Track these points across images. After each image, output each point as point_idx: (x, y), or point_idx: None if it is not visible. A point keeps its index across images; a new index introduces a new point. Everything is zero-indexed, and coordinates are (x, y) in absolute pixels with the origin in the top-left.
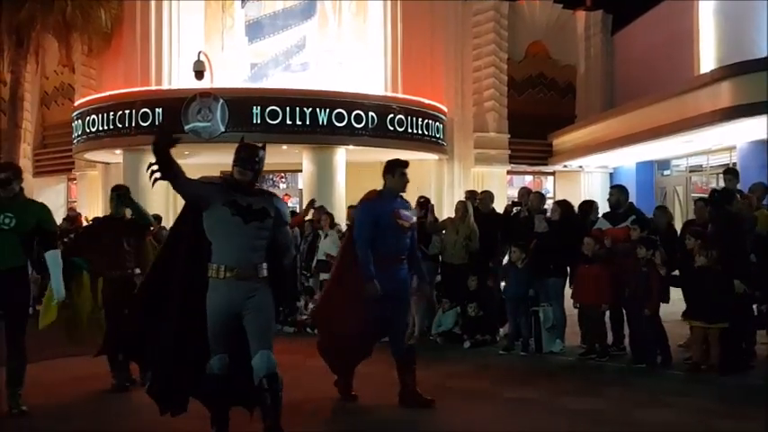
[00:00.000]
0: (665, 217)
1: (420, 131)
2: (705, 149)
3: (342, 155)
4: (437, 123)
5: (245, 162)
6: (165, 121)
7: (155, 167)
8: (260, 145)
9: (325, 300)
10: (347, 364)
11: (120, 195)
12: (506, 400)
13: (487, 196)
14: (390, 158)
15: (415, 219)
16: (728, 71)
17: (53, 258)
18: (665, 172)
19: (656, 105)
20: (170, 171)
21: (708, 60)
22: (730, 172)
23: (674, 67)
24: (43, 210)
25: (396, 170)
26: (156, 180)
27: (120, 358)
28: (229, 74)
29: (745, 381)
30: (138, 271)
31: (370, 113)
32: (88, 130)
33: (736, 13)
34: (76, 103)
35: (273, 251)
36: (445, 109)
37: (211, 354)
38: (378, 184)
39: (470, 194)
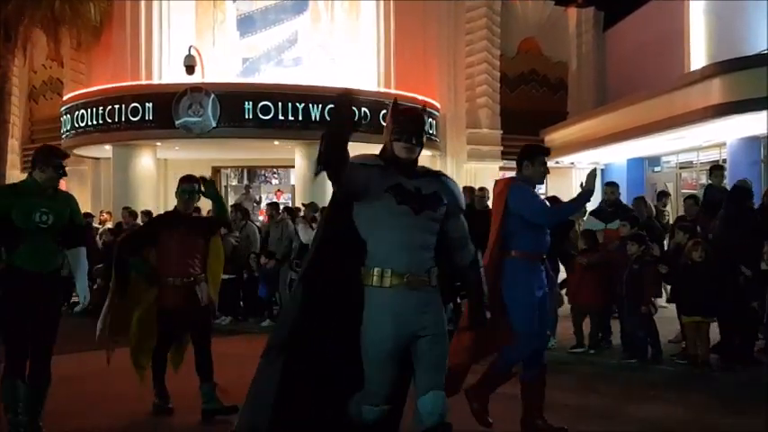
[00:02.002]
0: (643, 208)
1: None
2: (695, 146)
3: None
4: (430, 119)
5: (412, 134)
6: (156, 117)
7: (328, 157)
8: (420, 107)
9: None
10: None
11: (207, 183)
12: (497, 396)
13: (484, 194)
14: (531, 144)
15: None
16: (719, 68)
17: (82, 257)
18: (656, 168)
19: (647, 102)
20: (344, 162)
21: (698, 57)
22: (716, 169)
23: (665, 65)
24: (74, 200)
25: (536, 158)
26: (318, 172)
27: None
28: (221, 69)
29: (741, 376)
30: (202, 278)
31: (363, 109)
32: (77, 125)
33: (726, 11)
34: (65, 98)
35: (445, 249)
36: (438, 105)
37: (367, 397)
38: None
39: (466, 191)
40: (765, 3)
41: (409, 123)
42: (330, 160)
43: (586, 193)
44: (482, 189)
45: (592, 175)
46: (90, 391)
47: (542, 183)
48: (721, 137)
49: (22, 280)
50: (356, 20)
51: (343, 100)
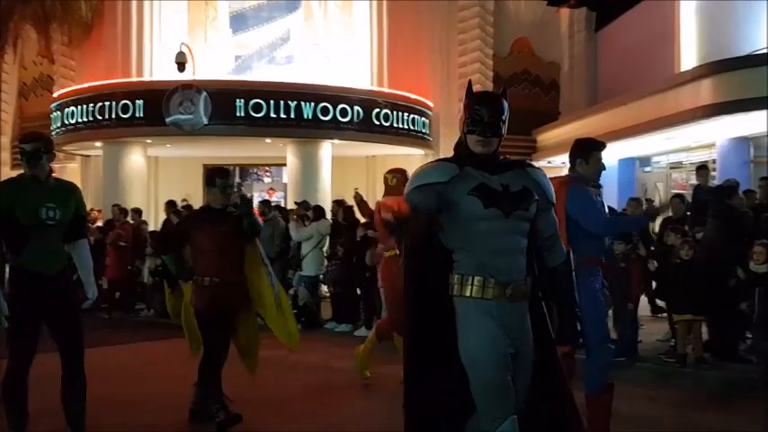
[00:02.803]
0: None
1: (406, 126)
2: (685, 146)
3: (327, 149)
4: (423, 118)
5: (488, 125)
6: (147, 114)
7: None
8: (497, 92)
9: None
10: None
11: (243, 202)
12: None
13: None
14: (581, 137)
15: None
16: (709, 69)
17: (85, 249)
18: (646, 168)
19: (638, 102)
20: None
21: (689, 58)
22: (702, 168)
23: (656, 65)
24: (78, 190)
25: (591, 154)
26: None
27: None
28: (213, 66)
29: (729, 373)
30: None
31: (356, 107)
32: (67, 122)
33: (717, 12)
34: (56, 95)
35: (536, 250)
36: (431, 104)
37: (488, 418)
38: (362, 179)
39: None
40: (755, 4)
41: (484, 111)
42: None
43: (653, 214)
44: None
45: (668, 204)
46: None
47: (598, 180)
48: (711, 137)
49: (33, 282)
50: (349, 18)
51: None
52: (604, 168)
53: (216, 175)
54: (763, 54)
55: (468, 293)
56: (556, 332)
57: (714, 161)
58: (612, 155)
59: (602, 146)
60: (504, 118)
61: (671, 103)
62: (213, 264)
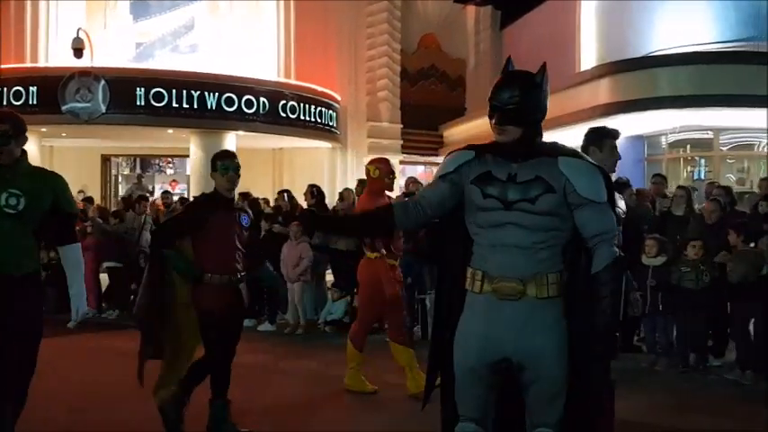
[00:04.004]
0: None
1: (313, 119)
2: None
3: (232, 140)
4: (330, 111)
5: (505, 112)
6: (42, 101)
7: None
8: (529, 73)
9: None
10: None
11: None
12: (392, 386)
13: None
14: (596, 125)
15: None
16: (607, 69)
17: (76, 256)
18: None
19: None
20: (397, 226)
21: (588, 58)
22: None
23: (558, 64)
24: (59, 181)
25: (605, 142)
26: None
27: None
28: (112, 53)
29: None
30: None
31: (262, 99)
32: None
33: (615, 14)
34: None
35: (579, 250)
36: (338, 97)
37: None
38: (269, 171)
39: (363, 183)
40: (650, 6)
41: (502, 97)
42: (369, 238)
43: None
44: None
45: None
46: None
47: (614, 172)
48: None
49: None
50: (256, 8)
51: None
52: (620, 157)
53: (216, 158)
54: (658, 56)
55: (465, 285)
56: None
57: None
58: None
59: (616, 133)
60: (529, 102)
61: (571, 101)
62: (228, 258)
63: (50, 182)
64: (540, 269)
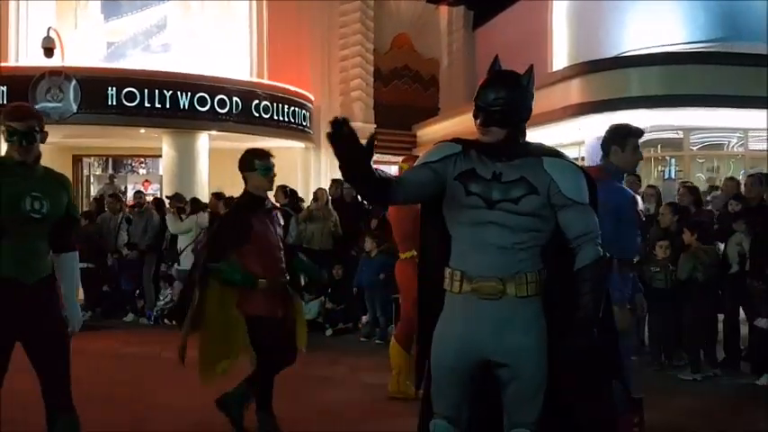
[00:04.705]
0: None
1: (286, 119)
2: (558, 144)
3: (204, 140)
4: (303, 111)
5: (488, 113)
6: (11, 101)
7: (359, 192)
8: (513, 72)
9: None
10: None
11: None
12: (364, 385)
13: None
14: (619, 123)
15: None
16: (579, 69)
17: (74, 265)
18: None
19: None
20: (381, 188)
21: (560, 58)
22: None
23: (530, 64)
24: (69, 183)
25: (628, 141)
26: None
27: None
28: (83, 52)
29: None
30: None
31: (235, 98)
32: None
33: (586, 15)
34: None
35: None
36: (312, 97)
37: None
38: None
39: (337, 183)
40: (621, 6)
41: (486, 96)
42: (363, 194)
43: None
44: None
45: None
46: None
47: (635, 171)
48: (581, 135)
49: (4, 291)
50: (228, 7)
51: (336, 129)
52: (641, 157)
53: (255, 157)
54: (629, 56)
55: (445, 286)
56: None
57: (583, 158)
58: None
59: (640, 132)
60: (514, 103)
61: (543, 101)
62: (274, 259)
63: (66, 184)
64: (520, 268)
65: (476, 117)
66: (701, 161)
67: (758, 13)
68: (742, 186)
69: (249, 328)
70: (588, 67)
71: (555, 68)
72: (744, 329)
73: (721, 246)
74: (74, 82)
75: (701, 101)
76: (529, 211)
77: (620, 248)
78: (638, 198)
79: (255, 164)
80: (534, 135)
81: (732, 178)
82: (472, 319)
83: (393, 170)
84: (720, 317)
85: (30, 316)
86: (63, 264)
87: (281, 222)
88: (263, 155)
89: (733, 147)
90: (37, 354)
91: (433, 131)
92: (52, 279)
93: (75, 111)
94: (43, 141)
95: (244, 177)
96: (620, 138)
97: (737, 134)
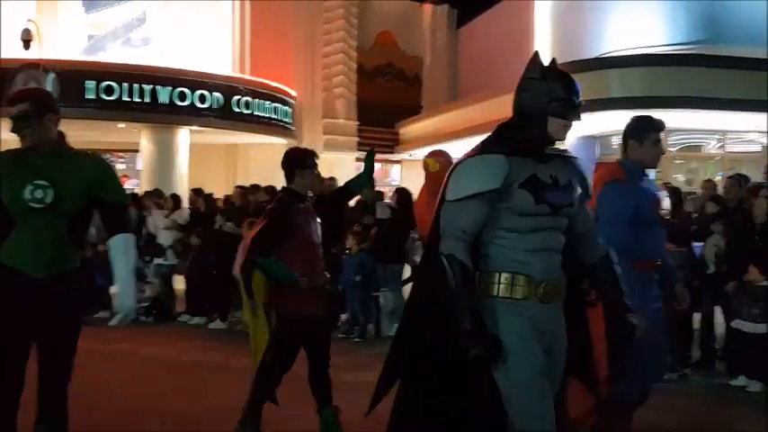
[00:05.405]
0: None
1: (267, 114)
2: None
3: (184, 135)
4: (285, 107)
5: (580, 109)
6: None
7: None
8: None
9: None
10: None
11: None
12: (342, 383)
13: (334, 183)
14: (639, 115)
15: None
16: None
17: (122, 248)
18: None
19: (497, 99)
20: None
21: (543, 58)
22: None
23: (514, 63)
24: (100, 167)
25: (648, 135)
26: None
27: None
28: (63, 45)
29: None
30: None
31: (215, 94)
32: None
33: (569, 15)
34: None
35: (571, 247)
36: (294, 93)
37: (529, 418)
38: (222, 167)
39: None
40: (603, 7)
41: (574, 94)
42: None
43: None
44: (332, 178)
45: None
46: None
47: (656, 167)
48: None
49: (15, 284)
50: (209, 2)
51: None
52: (663, 152)
53: (306, 156)
54: (610, 57)
55: (494, 293)
56: (607, 331)
57: None
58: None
59: (661, 125)
60: (576, 99)
61: None
62: (315, 257)
63: (86, 169)
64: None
65: (560, 115)
66: (679, 162)
67: (739, 16)
68: (719, 188)
69: (282, 327)
70: (569, 68)
71: None
72: (720, 329)
73: (698, 246)
74: (52, 75)
75: (681, 102)
76: (574, 212)
77: (639, 250)
78: (662, 196)
79: (309, 162)
80: None
81: (710, 180)
82: (534, 320)
83: (375, 167)
84: (697, 316)
85: (36, 313)
86: (110, 247)
87: (319, 221)
88: (314, 154)
89: (711, 149)
90: (38, 354)
91: (416, 129)
92: (71, 275)
93: None
94: (49, 125)
95: (289, 174)
96: (639, 131)
97: (716, 136)
